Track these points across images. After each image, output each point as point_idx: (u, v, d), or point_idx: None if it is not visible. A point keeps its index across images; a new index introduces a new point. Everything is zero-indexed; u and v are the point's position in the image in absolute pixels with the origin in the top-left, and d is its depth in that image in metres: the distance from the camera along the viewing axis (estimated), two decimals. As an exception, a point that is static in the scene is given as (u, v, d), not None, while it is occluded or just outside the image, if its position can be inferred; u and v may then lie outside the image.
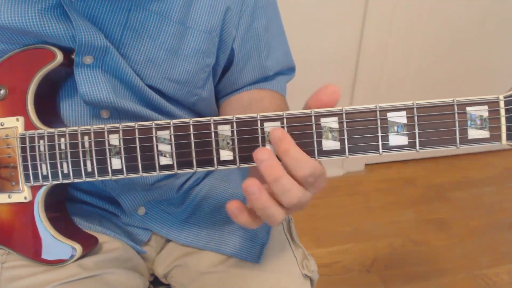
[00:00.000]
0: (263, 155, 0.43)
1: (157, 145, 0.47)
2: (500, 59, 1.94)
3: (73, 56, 0.54)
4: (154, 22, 0.57)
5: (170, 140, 0.47)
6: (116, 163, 0.49)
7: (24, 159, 0.53)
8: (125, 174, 0.49)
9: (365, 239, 1.60)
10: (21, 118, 0.54)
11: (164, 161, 0.48)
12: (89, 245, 0.60)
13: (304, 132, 0.44)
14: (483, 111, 0.42)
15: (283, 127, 0.45)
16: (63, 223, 0.59)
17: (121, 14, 0.55)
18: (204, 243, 0.68)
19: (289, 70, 0.76)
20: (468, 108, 0.42)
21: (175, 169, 0.48)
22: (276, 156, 0.44)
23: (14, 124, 0.54)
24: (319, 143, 0.44)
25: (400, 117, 0.43)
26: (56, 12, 0.52)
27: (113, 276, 0.62)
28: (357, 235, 1.62)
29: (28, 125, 0.54)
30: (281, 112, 0.44)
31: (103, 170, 0.50)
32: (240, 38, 0.66)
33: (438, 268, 1.47)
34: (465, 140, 0.43)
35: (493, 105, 0.42)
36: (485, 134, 0.43)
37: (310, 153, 0.44)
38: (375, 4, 1.62)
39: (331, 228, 1.65)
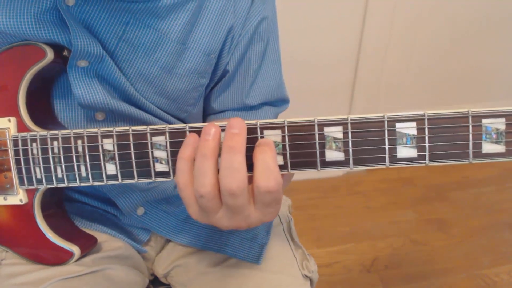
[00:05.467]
0: (237, 123, 0.41)
1: (152, 152, 0.46)
2: (501, 59, 1.93)
3: (64, 53, 0.53)
4: (152, 38, 0.56)
5: (166, 146, 0.46)
6: (111, 168, 0.48)
7: (18, 162, 0.52)
8: (120, 180, 0.48)
9: (365, 239, 1.60)
10: (13, 119, 0.52)
11: (160, 167, 0.46)
12: (88, 245, 0.60)
13: (306, 142, 0.43)
14: (500, 124, 0.40)
15: (284, 135, 0.43)
16: (61, 224, 0.58)
17: (118, 26, 0.54)
18: (203, 243, 0.68)
19: (280, 102, 0.73)
20: (484, 121, 0.40)
21: (171, 176, 0.46)
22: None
23: (6, 125, 0.52)
24: (322, 154, 0.42)
25: (409, 129, 0.41)
26: (52, 15, 0.51)
27: (113, 272, 0.62)
28: (357, 235, 1.62)
29: (21, 126, 0.52)
30: (282, 120, 0.43)
31: (97, 175, 0.49)
32: (235, 60, 0.64)
33: (438, 268, 1.47)
34: (478, 155, 0.40)
35: (511, 117, 0.40)
36: (500, 148, 0.40)
37: (312, 164, 0.43)
38: (375, 4, 1.61)
39: (331, 228, 1.65)
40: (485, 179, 1.95)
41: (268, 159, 0.41)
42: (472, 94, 1.97)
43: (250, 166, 0.42)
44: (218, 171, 0.41)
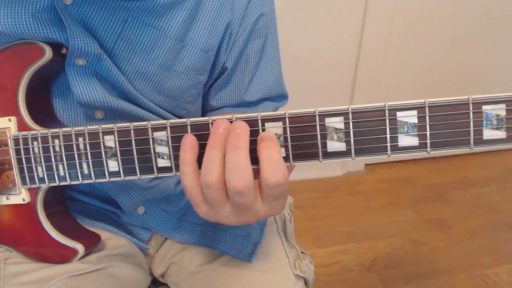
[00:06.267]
0: (240, 123, 0.42)
1: (154, 147, 0.46)
2: (501, 58, 1.93)
3: (63, 51, 0.52)
4: (150, 36, 0.56)
5: (167, 141, 0.46)
6: (113, 165, 0.48)
7: (19, 161, 0.52)
8: (122, 177, 0.48)
9: (365, 239, 1.60)
10: (13, 118, 0.52)
11: (162, 163, 0.46)
12: (92, 243, 0.60)
13: (307, 133, 0.43)
14: (500, 110, 0.40)
15: (285, 127, 0.43)
16: (65, 223, 0.58)
17: (116, 24, 0.54)
18: (198, 239, 0.69)
19: (279, 98, 0.74)
20: (484, 107, 0.40)
21: (174, 172, 0.46)
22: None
23: (7, 124, 0.52)
24: (324, 145, 0.42)
25: (410, 117, 0.41)
26: (50, 14, 0.51)
27: (117, 270, 0.62)
28: (357, 235, 1.61)
29: (21, 125, 0.52)
30: (283, 112, 0.43)
31: (100, 172, 0.49)
32: (233, 57, 0.64)
33: (438, 268, 1.47)
34: (479, 141, 0.40)
35: (511, 103, 0.40)
36: (501, 134, 0.40)
37: (314, 155, 0.43)
38: (375, 4, 1.61)
39: (331, 228, 1.65)
40: (485, 179, 1.95)
41: (274, 153, 0.41)
42: (473, 94, 1.97)
43: (253, 160, 0.42)
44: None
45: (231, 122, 0.43)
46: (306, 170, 1.87)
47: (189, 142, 0.43)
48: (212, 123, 0.44)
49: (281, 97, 0.74)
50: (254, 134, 0.43)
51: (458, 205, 1.79)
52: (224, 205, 0.43)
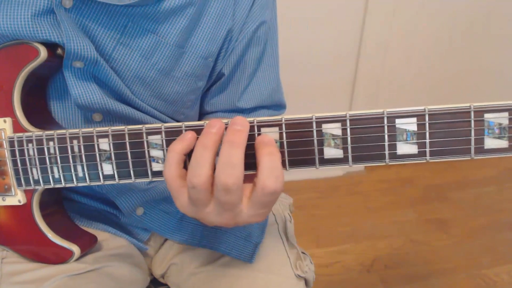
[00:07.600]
0: (240, 120, 0.41)
1: (148, 151, 0.46)
2: (501, 59, 1.93)
3: (58, 51, 0.52)
4: (150, 42, 0.55)
5: (162, 145, 0.45)
6: (108, 168, 0.48)
7: (14, 163, 0.51)
8: (117, 180, 0.48)
9: (365, 239, 1.60)
10: (8, 120, 0.52)
11: (157, 167, 0.46)
12: (88, 244, 0.60)
13: (304, 139, 0.42)
14: (503, 118, 0.39)
15: (281, 133, 0.42)
16: (61, 224, 0.58)
17: (116, 29, 0.53)
18: (198, 240, 0.68)
19: (276, 107, 0.73)
20: (486, 115, 0.39)
21: (169, 176, 0.46)
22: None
23: (2, 126, 0.52)
24: (321, 151, 0.42)
25: (410, 124, 0.40)
26: (49, 17, 0.50)
27: (116, 269, 0.62)
28: (357, 235, 1.61)
29: (17, 127, 0.52)
30: (280, 117, 0.42)
31: (94, 175, 0.49)
32: (231, 64, 0.64)
33: (438, 268, 1.47)
34: (481, 150, 0.39)
35: None
36: (503, 144, 0.39)
37: (311, 162, 0.42)
38: (375, 4, 1.61)
39: (331, 228, 1.65)
40: (485, 179, 1.95)
41: (277, 161, 0.41)
42: (473, 94, 1.97)
43: (247, 165, 0.41)
44: (214, 166, 0.41)
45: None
46: (306, 170, 1.86)
47: (189, 135, 0.43)
48: None
49: (277, 106, 0.73)
50: (250, 139, 0.42)
51: (458, 205, 1.79)
52: (207, 203, 0.43)
